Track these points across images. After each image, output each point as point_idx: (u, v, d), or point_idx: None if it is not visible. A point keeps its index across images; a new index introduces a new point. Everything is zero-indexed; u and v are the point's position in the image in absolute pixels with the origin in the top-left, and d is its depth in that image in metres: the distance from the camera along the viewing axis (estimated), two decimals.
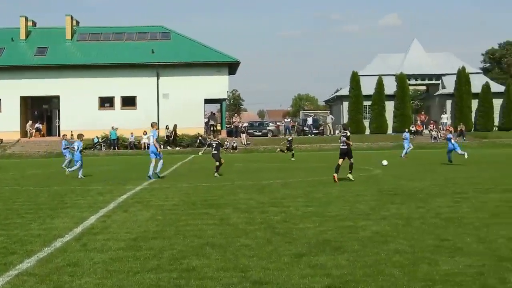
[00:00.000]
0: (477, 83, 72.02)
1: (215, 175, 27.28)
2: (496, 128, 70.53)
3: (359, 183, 22.60)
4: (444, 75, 75.66)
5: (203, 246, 10.79)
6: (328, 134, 71.18)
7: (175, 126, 61.96)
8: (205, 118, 70.03)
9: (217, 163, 27.82)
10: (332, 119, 73.39)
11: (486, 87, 71.26)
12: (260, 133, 71.46)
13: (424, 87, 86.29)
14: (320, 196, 18.26)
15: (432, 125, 68.31)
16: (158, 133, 28.48)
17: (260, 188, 21.15)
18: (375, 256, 9.73)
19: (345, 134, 24.04)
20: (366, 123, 71.35)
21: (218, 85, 66.76)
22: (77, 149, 29.33)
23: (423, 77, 77.21)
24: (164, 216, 14.52)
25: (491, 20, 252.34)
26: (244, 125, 73.68)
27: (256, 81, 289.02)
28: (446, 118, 70.33)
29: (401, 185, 21.38)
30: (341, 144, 23.92)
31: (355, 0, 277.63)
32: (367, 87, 70.45)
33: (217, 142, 28.72)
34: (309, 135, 70.12)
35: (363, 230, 12.11)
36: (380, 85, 70.47)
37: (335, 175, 23.01)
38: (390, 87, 71.14)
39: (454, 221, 13.02)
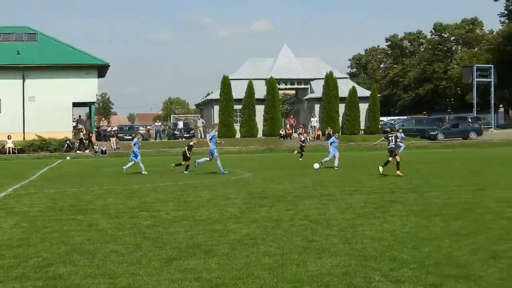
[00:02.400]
0: (344, 87, 73.88)
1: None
2: (362, 132, 72.60)
3: (229, 186, 22.74)
4: (312, 79, 77.21)
5: (70, 253, 10.56)
6: (199, 137, 71.20)
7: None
8: (73, 121, 68.52)
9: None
10: (203, 122, 73.45)
11: (353, 91, 73.20)
12: (130, 137, 70.53)
13: (293, 91, 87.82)
14: (191, 200, 18.25)
15: (301, 128, 69.58)
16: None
17: (130, 193, 20.89)
18: (245, 259, 9.81)
19: (395, 135, 27.65)
20: (237, 126, 71.86)
21: (87, 88, 65.51)
22: None
23: (292, 81, 78.49)
24: (29, 223, 14.10)
25: (357, 27, 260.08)
26: (113, 129, 72.62)
27: (126, 85, 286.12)
28: (315, 122, 71.82)
29: (271, 188, 21.65)
30: (392, 143, 26.78)
31: (226, 5, 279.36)
32: (238, 91, 71.00)
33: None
34: (180, 138, 69.93)
35: (233, 233, 12.19)
36: (250, 89, 71.15)
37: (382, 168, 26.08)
38: (261, 91, 71.99)
39: (322, 222, 13.30)
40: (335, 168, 31.54)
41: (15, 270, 9.36)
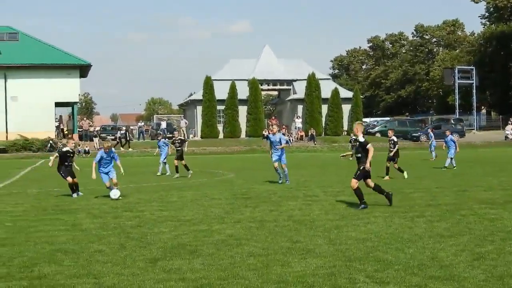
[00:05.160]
0: (326, 88, 73.96)
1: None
2: (345, 133, 72.67)
3: (212, 187, 22.72)
4: (295, 80, 77.20)
5: (55, 253, 10.54)
6: (182, 138, 71.04)
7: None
8: (56, 121, 68.23)
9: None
10: (186, 123, 73.33)
11: (335, 92, 73.36)
12: (113, 137, 70.43)
13: (276, 92, 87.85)
14: (175, 200, 18.24)
15: (283, 129, 69.62)
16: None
17: None
18: (229, 259, 9.83)
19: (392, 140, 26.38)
20: (220, 127, 71.79)
21: (69, 88, 65.20)
22: None
23: (274, 82, 78.49)
24: (13, 223, 14.06)
25: (338, 28, 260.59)
26: (96, 129, 72.36)
27: (109, 85, 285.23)
28: (299, 123, 71.94)
29: (254, 188, 21.67)
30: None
31: (206, 6, 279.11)
32: (221, 91, 70.91)
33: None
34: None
35: (218, 234, 12.20)
36: (233, 89, 71.12)
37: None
38: (243, 92, 71.93)
39: (306, 223, 13.34)
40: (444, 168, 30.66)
41: None
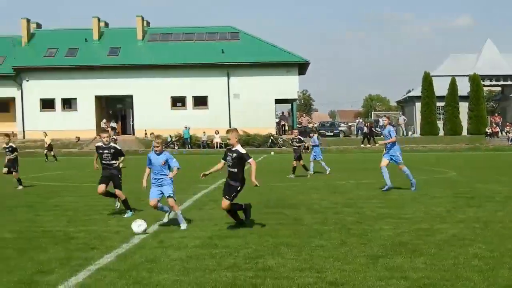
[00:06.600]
0: None
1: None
2: None
3: (433, 185, 22.29)
4: None
5: (278, 246, 10.81)
6: (400, 135, 70.38)
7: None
8: (276, 118, 70.14)
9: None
10: (404, 119, 72.58)
11: None
12: (331, 134, 71.24)
13: (498, 88, 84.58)
14: (395, 198, 18.08)
15: (508, 127, 66.82)
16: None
17: (333, 189, 21.06)
18: (453, 260, 9.57)
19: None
20: (440, 124, 70.27)
21: (288, 85, 66.81)
22: None
23: (497, 77, 75.70)
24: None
25: None
26: (315, 125, 73.57)
27: (327, 82, 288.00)
28: None
29: (477, 188, 20.96)
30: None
31: (426, 1, 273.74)
32: (440, 87, 69.44)
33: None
34: (381, 136, 69.51)
35: (440, 233, 11.92)
36: (453, 85, 69.38)
37: None
38: (463, 88, 69.96)
39: None
40: None
41: (227, 260, 9.76)
